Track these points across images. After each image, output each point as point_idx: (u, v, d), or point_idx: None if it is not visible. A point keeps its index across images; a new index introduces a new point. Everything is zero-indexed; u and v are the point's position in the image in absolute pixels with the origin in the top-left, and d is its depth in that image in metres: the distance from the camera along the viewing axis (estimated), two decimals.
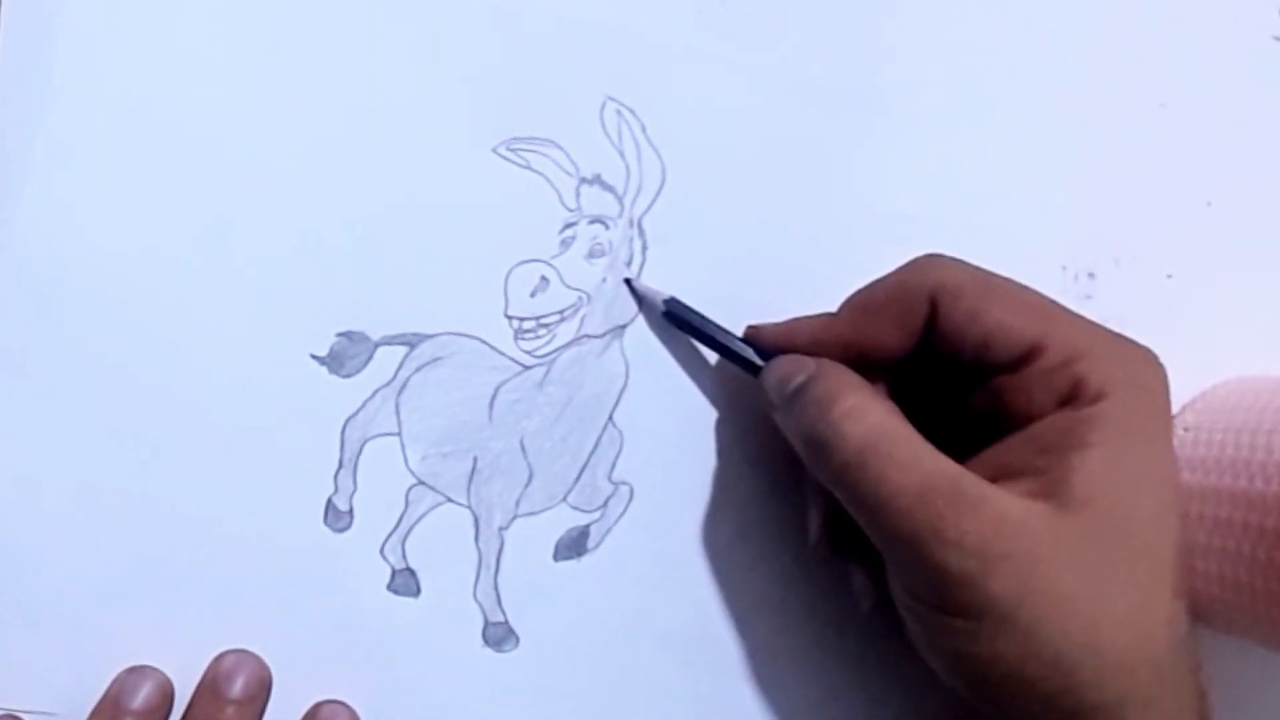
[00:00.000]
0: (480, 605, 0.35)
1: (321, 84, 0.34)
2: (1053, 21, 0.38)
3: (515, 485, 0.36)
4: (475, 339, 0.35)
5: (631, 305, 0.36)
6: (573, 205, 0.36)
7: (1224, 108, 0.39)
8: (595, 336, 0.36)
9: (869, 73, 0.37)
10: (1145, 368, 0.31)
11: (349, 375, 0.35)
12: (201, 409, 0.34)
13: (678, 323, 0.35)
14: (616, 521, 0.36)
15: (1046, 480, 0.29)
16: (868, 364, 0.33)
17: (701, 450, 0.36)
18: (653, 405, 0.36)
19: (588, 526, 0.36)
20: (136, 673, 0.34)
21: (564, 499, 0.36)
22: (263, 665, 0.34)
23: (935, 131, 0.38)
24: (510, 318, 0.35)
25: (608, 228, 0.36)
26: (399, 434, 0.35)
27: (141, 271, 0.34)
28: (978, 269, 0.32)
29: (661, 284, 0.36)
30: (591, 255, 0.36)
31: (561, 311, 0.36)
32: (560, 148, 0.36)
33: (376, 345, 0.35)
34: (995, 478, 0.30)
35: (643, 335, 0.36)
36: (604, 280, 0.36)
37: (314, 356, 0.35)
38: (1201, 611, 0.35)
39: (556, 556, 0.36)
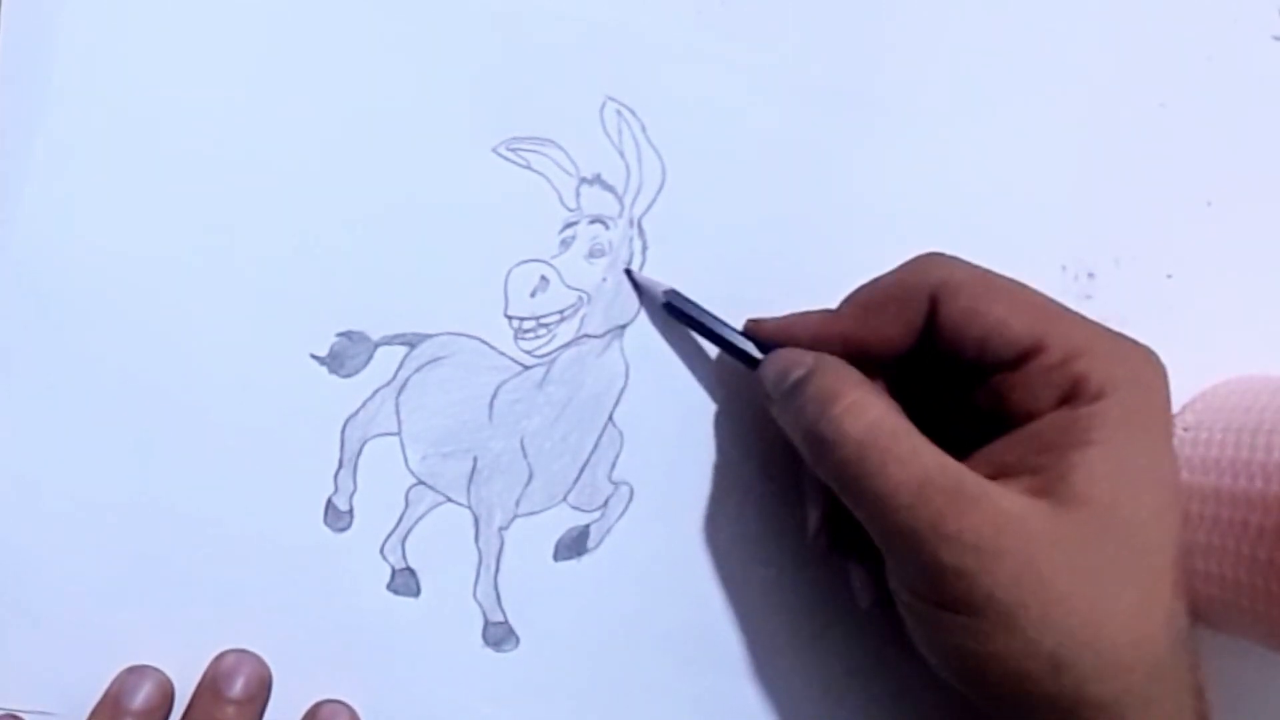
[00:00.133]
0: (480, 605, 0.35)
1: (321, 84, 0.35)
2: (1052, 21, 0.38)
3: (515, 485, 0.36)
4: (475, 339, 0.35)
5: (631, 305, 0.36)
6: (573, 205, 0.36)
7: (1224, 108, 0.39)
8: (595, 336, 0.36)
9: (869, 73, 0.37)
10: (1145, 366, 0.31)
11: (349, 375, 0.35)
12: (201, 409, 0.34)
13: (677, 315, 0.35)
14: (616, 521, 0.36)
15: (1046, 478, 0.29)
16: (868, 361, 0.33)
17: (701, 450, 0.36)
18: (653, 405, 0.36)
19: (588, 526, 0.36)
20: (136, 673, 0.34)
21: (564, 499, 0.36)
22: (263, 665, 0.34)
23: (935, 131, 0.38)
24: (510, 318, 0.35)
25: (608, 228, 0.36)
26: (399, 434, 0.35)
27: (141, 272, 0.34)
28: (978, 267, 0.32)
29: (668, 284, 0.36)
30: (591, 255, 0.36)
31: (561, 311, 0.36)
32: (560, 148, 0.36)
33: (376, 345, 0.35)
34: (995, 475, 0.30)
35: (643, 335, 0.36)
36: (604, 280, 0.36)
37: (314, 356, 0.35)
38: (1201, 611, 0.35)
39: (556, 556, 0.36)
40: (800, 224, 0.37)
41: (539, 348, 0.36)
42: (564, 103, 0.36)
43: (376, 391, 0.35)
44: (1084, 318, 0.32)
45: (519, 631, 0.36)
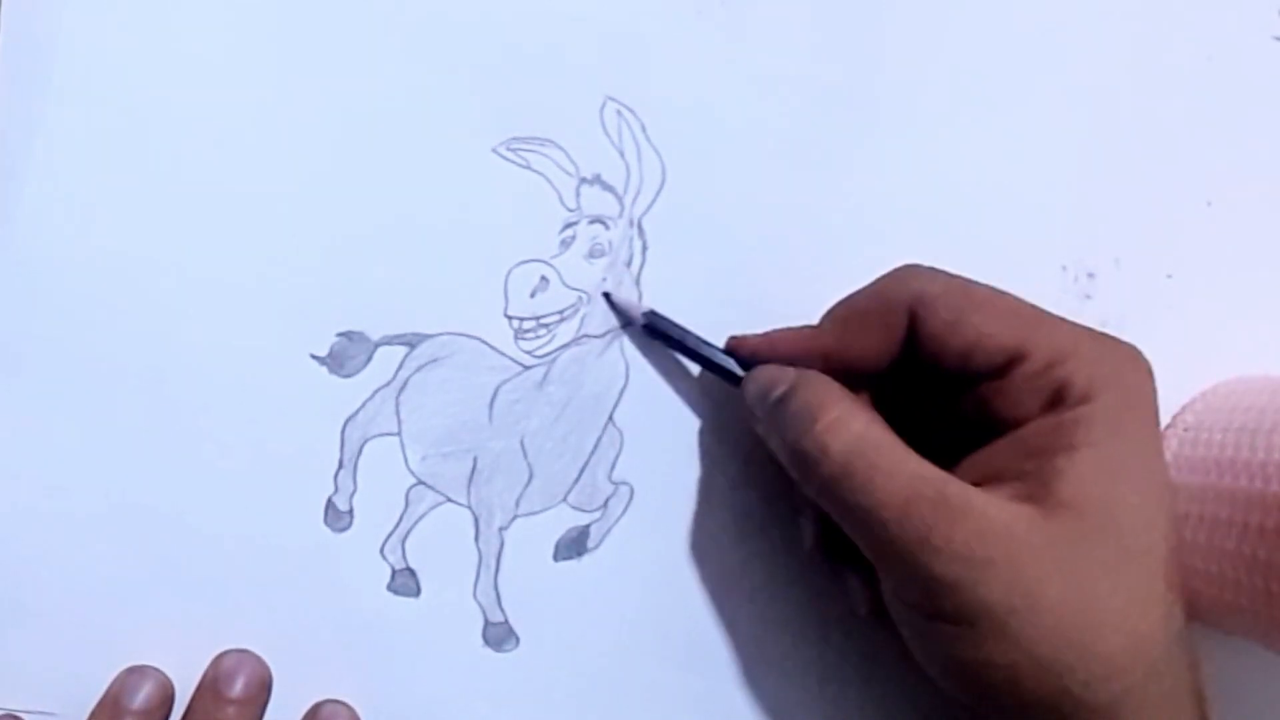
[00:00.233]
0: (480, 605, 0.35)
1: (321, 83, 0.34)
2: (1052, 22, 0.38)
3: (515, 485, 0.36)
4: (475, 339, 0.35)
5: (631, 305, 0.36)
6: (573, 205, 0.36)
7: (1224, 108, 0.39)
8: (595, 336, 0.36)
9: (869, 73, 0.37)
10: (1130, 366, 0.31)
11: (349, 375, 0.35)
12: (201, 409, 0.34)
13: (659, 335, 0.35)
14: (616, 521, 0.36)
15: (1033, 484, 0.29)
16: (851, 375, 0.33)
17: (702, 450, 0.36)
18: (653, 405, 0.36)
19: (588, 526, 0.36)
20: (136, 673, 0.34)
21: (564, 499, 0.36)
22: (263, 665, 0.34)
23: (935, 132, 0.38)
24: (510, 318, 0.35)
25: (608, 228, 0.36)
26: (399, 434, 0.35)
27: (141, 271, 0.34)
28: (956, 277, 0.32)
29: (661, 283, 0.36)
30: (591, 255, 0.36)
31: (561, 311, 0.36)
32: (560, 148, 0.36)
33: (376, 345, 0.35)
34: (982, 483, 0.30)
35: (643, 335, 0.36)
36: (604, 280, 0.36)
37: (314, 356, 0.35)
38: (1201, 611, 0.35)
39: (556, 556, 0.36)
40: (800, 224, 0.37)
41: (539, 348, 0.36)
42: (564, 103, 0.36)
43: (376, 391, 0.35)
44: (1067, 321, 0.31)
45: (519, 631, 0.36)
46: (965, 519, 0.29)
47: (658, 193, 0.36)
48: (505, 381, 0.35)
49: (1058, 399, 0.30)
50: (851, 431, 0.30)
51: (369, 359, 0.35)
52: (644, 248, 0.36)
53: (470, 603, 0.35)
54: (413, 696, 0.35)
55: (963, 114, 0.38)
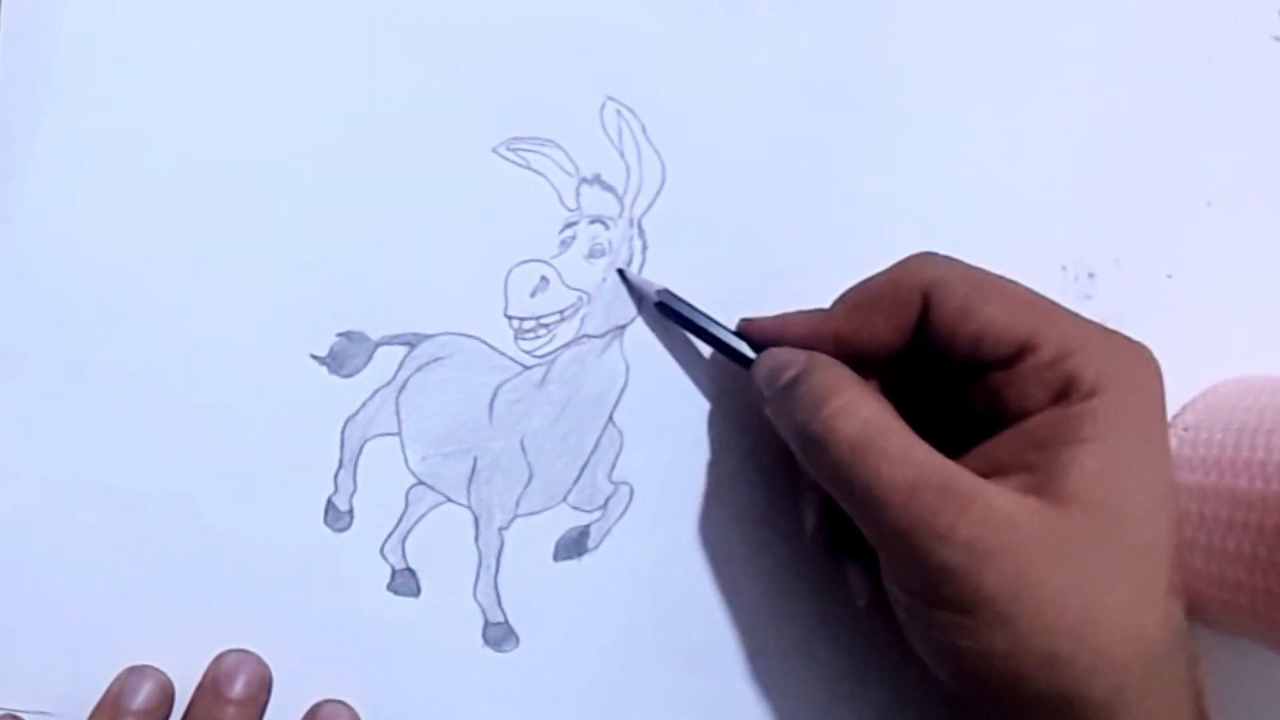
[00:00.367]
0: (480, 605, 0.35)
1: (322, 84, 0.35)
2: (1052, 22, 0.38)
3: (515, 485, 0.36)
4: (475, 339, 0.35)
5: (631, 305, 0.36)
6: (573, 205, 0.36)
7: (1224, 108, 0.39)
8: (595, 336, 0.36)
9: (869, 73, 0.37)
10: (1139, 363, 0.31)
11: (349, 375, 0.35)
12: (201, 409, 0.34)
13: (671, 315, 0.35)
14: (616, 521, 0.36)
15: (1039, 476, 0.29)
16: (861, 360, 0.33)
17: (701, 450, 0.36)
18: (653, 405, 0.36)
19: (588, 526, 0.36)
20: (136, 673, 0.34)
21: (564, 499, 0.36)
22: (263, 665, 0.34)
23: (935, 132, 0.38)
24: (510, 318, 0.35)
25: (608, 228, 0.36)
26: (399, 434, 0.35)
27: (141, 272, 0.34)
28: (970, 266, 0.32)
29: (661, 283, 0.36)
30: (591, 255, 0.36)
31: (561, 311, 0.36)
32: (560, 148, 0.36)
33: (376, 345, 0.35)
34: (988, 473, 0.30)
35: (643, 335, 0.36)
36: (604, 280, 0.36)
37: (314, 356, 0.35)
38: (1201, 611, 0.35)
39: (556, 556, 0.36)
40: (801, 224, 0.37)
41: (539, 348, 0.36)
42: (564, 103, 0.36)
43: (376, 391, 0.35)
44: (1077, 315, 0.32)
45: (519, 631, 0.36)
46: (970, 507, 0.29)
47: (658, 193, 0.36)
48: (505, 381, 0.35)
49: (1065, 392, 0.30)
50: (860, 416, 0.30)
51: (369, 359, 0.35)
52: (644, 248, 0.36)
53: (470, 603, 0.35)
54: (413, 696, 0.35)
55: (963, 114, 0.38)
